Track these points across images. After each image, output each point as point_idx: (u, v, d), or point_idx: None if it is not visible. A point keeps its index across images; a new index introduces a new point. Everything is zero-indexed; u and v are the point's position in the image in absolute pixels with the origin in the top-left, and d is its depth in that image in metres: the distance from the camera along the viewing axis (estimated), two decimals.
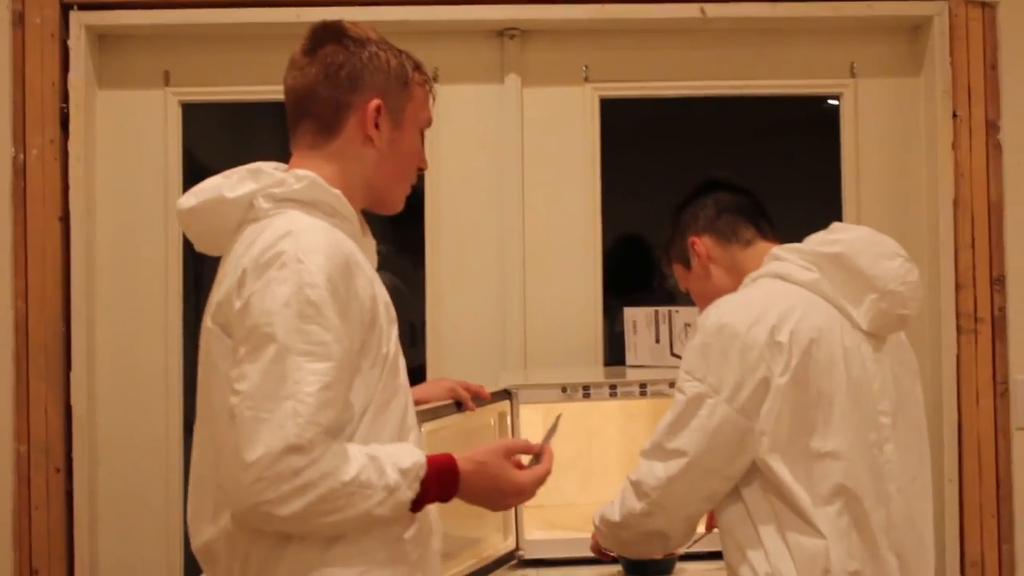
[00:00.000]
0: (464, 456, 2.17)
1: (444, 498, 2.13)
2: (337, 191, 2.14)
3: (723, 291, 2.61)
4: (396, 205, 2.30)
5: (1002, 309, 3.60)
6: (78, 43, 3.56)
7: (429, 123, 2.32)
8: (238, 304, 2.00)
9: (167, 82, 3.71)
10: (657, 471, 2.44)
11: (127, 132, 3.71)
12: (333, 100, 2.19)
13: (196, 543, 2.16)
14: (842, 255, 2.47)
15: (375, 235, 2.29)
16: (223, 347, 2.04)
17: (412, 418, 2.20)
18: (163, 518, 3.69)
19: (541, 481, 2.32)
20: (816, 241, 2.54)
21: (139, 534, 3.68)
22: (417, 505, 2.06)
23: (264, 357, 1.94)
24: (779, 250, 2.56)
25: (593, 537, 2.84)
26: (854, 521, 2.38)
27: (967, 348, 3.60)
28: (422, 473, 2.06)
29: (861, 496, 2.38)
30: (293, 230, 2.02)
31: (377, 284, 2.13)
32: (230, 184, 2.15)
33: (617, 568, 2.97)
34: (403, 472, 2.03)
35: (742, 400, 2.37)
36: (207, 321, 2.10)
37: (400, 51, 2.29)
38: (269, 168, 2.16)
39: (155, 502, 3.69)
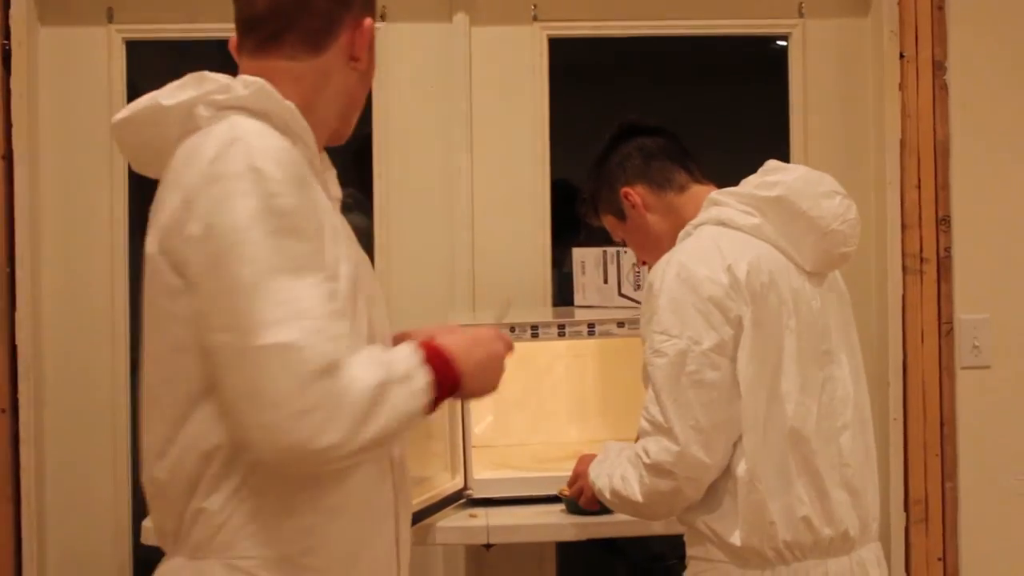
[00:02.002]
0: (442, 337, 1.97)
1: (452, 376, 1.91)
2: (291, 104, 1.90)
3: (661, 237, 2.61)
4: (348, 134, 2.10)
5: (947, 249, 3.62)
6: None
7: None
8: (195, 229, 1.75)
9: (110, 18, 3.66)
10: (668, 446, 2.37)
11: (70, 69, 3.66)
12: (327, 13, 1.99)
13: (145, 477, 1.98)
14: (782, 198, 2.46)
15: None
16: (164, 282, 1.82)
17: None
18: (111, 458, 3.66)
19: (510, 344, 2.10)
20: (754, 184, 2.52)
21: (87, 474, 3.66)
22: (436, 393, 1.86)
23: (246, 283, 1.70)
24: (717, 195, 2.54)
25: (583, 490, 2.79)
26: (803, 463, 2.39)
27: (912, 288, 3.62)
28: (419, 355, 1.85)
29: (809, 437, 2.40)
30: (239, 135, 1.80)
31: (329, 214, 1.92)
32: (168, 91, 1.93)
33: (560, 506, 2.98)
34: (404, 357, 1.84)
35: (724, 344, 2.36)
36: (151, 247, 1.86)
37: None
38: (215, 75, 1.92)
39: (103, 443, 3.66)
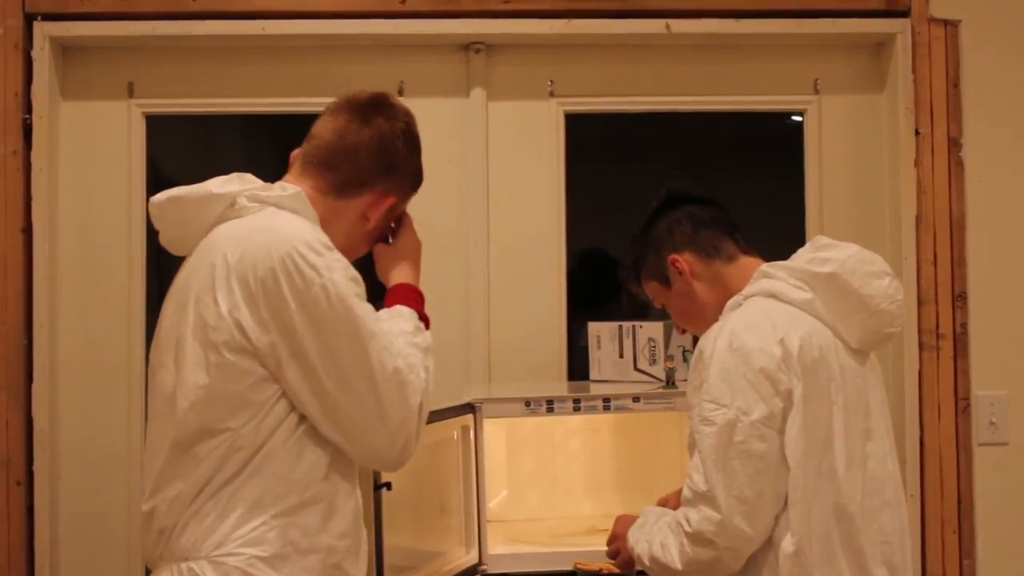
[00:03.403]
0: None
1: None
2: (315, 213, 2.27)
3: (707, 306, 2.61)
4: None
5: (964, 325, 3.62)
6: (42, 54, 3.54)
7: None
8: (275, 304, 2.10)
9: (131, 94, 3.69)
10: (710, 515, 2.36)
11: (91, 143, 3.69)
12: (365, 172, 2.34)
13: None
14: (835, 275, 2.46)
15: None
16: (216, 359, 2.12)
17: None
18: (125, 533, 3.65)
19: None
20: (805, 259, 2.51)
21: (100, 549, 3.64)
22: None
23: (360, 339, 2.13)
24: (768, 267, 2.54)
25: (619, 551, 2.73)
26: (847, 539, 2.39)
27: (929, 364, 3.62)
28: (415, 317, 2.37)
29: (854, 514, 2.39)
30: (284, 223, 2.19)
31: None
32: (218, 182, 2.23)
33: None
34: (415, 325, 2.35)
35: (773, 416, 2.36)
36: (187, 336, 2.15)
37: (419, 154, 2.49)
38: (255, 178, 2.28)
39: (117, 517, 3.65)
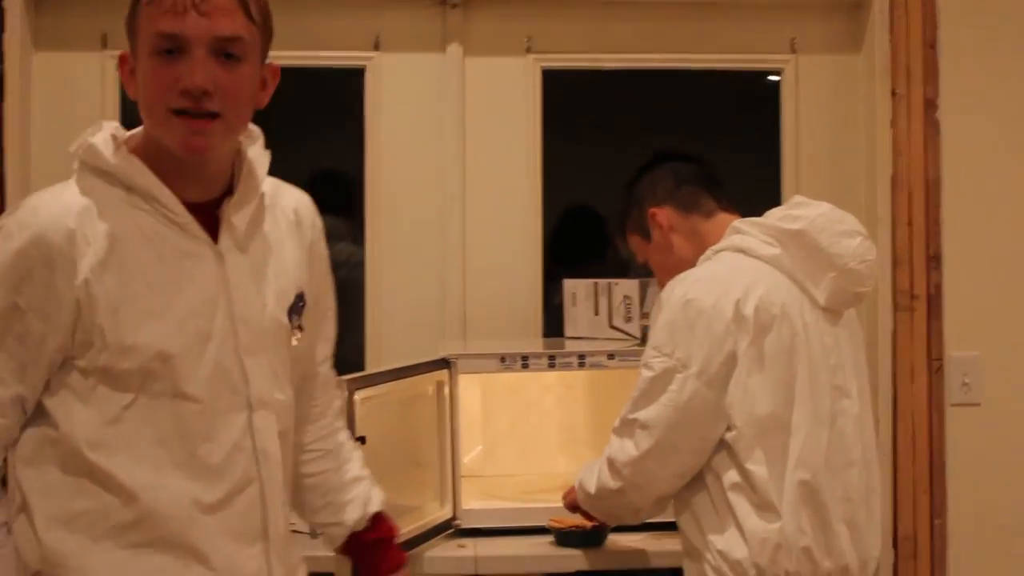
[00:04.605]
0: None
1: None
2: (121, 154, 1.97)
3: (684, 261, 2.64)
4: (180, 150, 1.94)
5: (938, 287, 3.62)
6: (13, 3, 3.48)
7: (162, 35, 1.90)
8: None
9: (105, 44, 3.64)
10: (628, 448, 2.48)
11: (64, 95, 3.64)
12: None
13: None
14: (803, 232, 2.49)
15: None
16: None
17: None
18: None
19: None
20: (777, 216, 2.55)
21: None
22: None
23: None
24: (740, 223, 2.58)
25: (570, 493, 2.81)
26: (807, 495, 2.41)
27: (903, 325, 3.62)
28: None
29: (815, 469, 2.42)
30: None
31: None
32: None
33: (549, 538, 2.97)
34: None
35: (711, 374, 2.41)
36: None
37: None
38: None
39: None
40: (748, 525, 2.39)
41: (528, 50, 3.75)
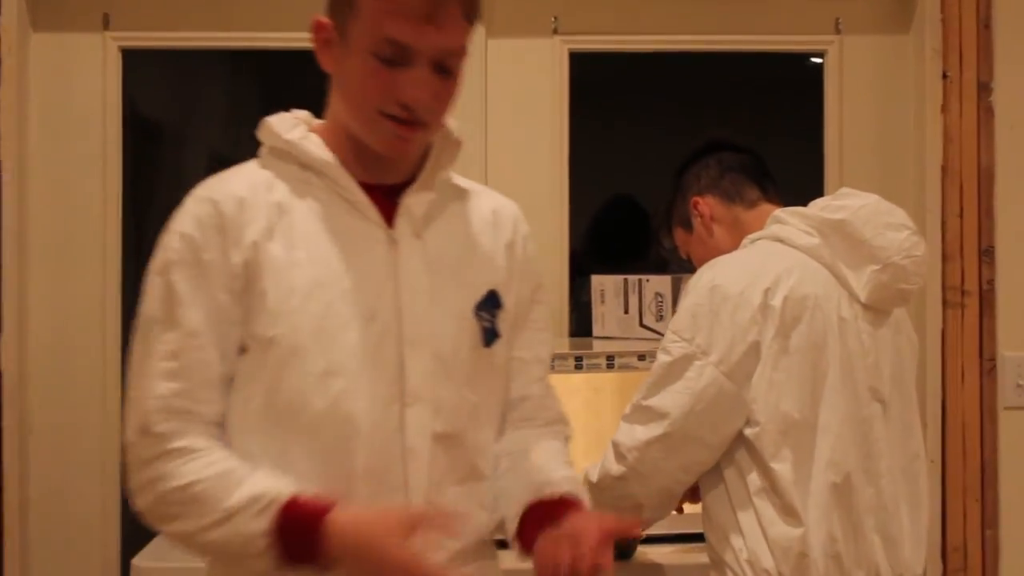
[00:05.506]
0: (351, 511, 1.79)
1: (311, 552, 1.75)
2: (298, 132, 1.97)
3: (724, 252, 2.61)
4: (382, 149, 1.94)
5: (991, 282, 3.54)
6: None
7: (392, 42, 1.84)
8: None
9: (106, 25, 3.55)
10: (637, 433, 2.44)
11: (63, 79, 3.56)
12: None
13: None
14: (845, 222, 2.46)
15: None
16: None
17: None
18: (99, 489, 3.56)
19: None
20: (820, 206, 2.52)
21: (74, 505, 3.55)
22: (283, 552, 1.75)
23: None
24: (781, 212, 2.58)
25: None
26: (839, 499, 2.37)
27: (953, 323, 3.54)
28: (275, 506, 1.75)
29: (848, 472, 2.37)
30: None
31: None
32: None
33: None
34: (252, 498, 1.76)
35: (731, 364, 2.38)
36: None
37: None
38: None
39: (91, 472, 3.55)
40: (772, 532, 2.35)
41: (555, 31, 3.66)
